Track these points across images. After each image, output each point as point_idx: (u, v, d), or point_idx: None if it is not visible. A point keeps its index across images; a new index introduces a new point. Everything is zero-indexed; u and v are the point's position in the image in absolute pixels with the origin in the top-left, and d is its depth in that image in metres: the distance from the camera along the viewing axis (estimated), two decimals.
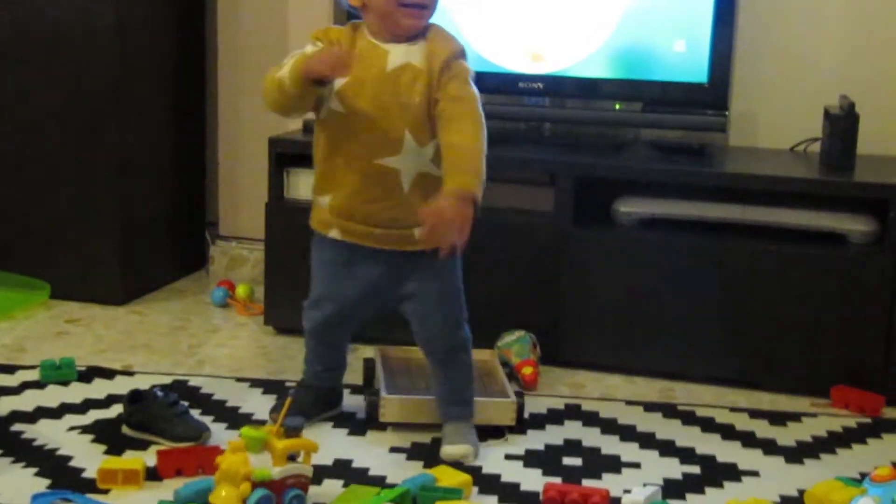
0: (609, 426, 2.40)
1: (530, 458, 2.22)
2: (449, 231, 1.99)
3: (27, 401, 2.40)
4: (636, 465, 2.21)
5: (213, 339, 2.85)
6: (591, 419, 2.43)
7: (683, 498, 2.07)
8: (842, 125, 2.64)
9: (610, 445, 2.30)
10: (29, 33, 3.00)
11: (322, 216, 2.21)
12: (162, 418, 2.19)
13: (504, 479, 2.12)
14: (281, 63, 2.08)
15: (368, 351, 2.60)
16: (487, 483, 2.10)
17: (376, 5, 2.09)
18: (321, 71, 2.00)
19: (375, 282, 2.20)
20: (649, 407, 2.51)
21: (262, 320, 2.92)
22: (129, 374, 2.58)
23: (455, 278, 2.21)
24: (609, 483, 2.10)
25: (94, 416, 2.33)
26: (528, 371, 2.55)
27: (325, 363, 2.34)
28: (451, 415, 2.24)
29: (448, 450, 2.19)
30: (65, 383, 2.50)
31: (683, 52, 2.76)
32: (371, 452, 2.21)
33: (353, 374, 2.52)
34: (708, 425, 2.43)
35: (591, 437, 2.34)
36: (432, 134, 2.10)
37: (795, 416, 2.48)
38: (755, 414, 2.49)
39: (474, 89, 2.10)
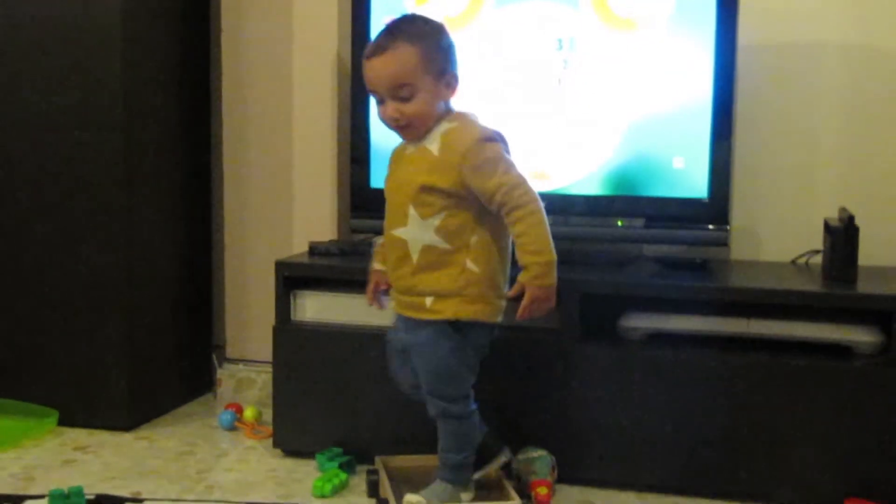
0: None
1: None
2: (537, 312, 2.32)
3: None
4: None
5: (222, 464, 2.84)
6: None
7: None
8: (842, 237, 2.67)
9: None
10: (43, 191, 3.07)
11: None
12: None
13: None
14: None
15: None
16: None
17: None
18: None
19: (403, 343, 2.44)
20: None
21: (270, 443, 2.91)
22: (138, 501, 2.56)
23: (441, 357, 2.35)
24: None
25: None
26: (542, 491, 2.53)
27: None
28: (437, 472, 2.42)
29: (408, 497, 2.37)
30: None
31: (683, 169, 2.80)
32: None
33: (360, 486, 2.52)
34: None
35: None
36: (439, 209, 2.30)
37: None
38: None
39: (501, 172, 2.27)
